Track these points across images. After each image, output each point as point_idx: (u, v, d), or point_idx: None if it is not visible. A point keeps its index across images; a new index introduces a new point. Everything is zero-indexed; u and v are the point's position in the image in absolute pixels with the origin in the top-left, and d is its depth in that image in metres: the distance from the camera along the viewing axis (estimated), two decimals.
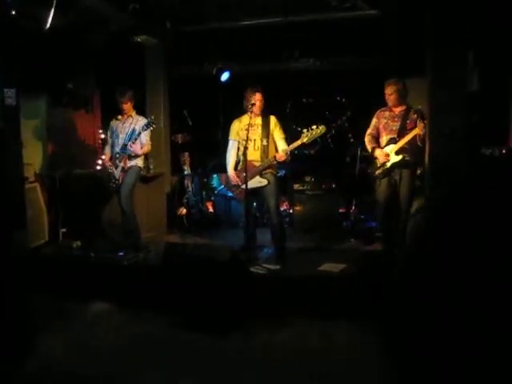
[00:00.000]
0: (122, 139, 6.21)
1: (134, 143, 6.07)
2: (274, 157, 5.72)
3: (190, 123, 8.29)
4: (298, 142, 5.65)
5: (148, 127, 5.98)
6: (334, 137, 7.94)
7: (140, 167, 6.35)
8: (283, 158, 5.66)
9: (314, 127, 5.61)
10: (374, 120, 5.96)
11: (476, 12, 4.55)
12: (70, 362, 3.84)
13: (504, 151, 5.92)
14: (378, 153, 5.78)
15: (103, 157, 6.58)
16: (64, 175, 7.08)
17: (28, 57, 5.69)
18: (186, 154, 7.88)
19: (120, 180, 6.18)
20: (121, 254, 6.12)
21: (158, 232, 7.33)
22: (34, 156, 7.02)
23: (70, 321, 4.62)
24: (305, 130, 5.62)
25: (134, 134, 6.07)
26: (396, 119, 5.75)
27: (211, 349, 4.02)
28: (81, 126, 7.80)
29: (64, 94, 7.35)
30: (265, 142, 5.79)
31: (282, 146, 5.79)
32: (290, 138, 5.91)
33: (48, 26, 4.79)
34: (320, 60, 8.36)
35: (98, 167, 7.12)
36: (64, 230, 6.91)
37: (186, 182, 7.82)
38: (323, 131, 5.66)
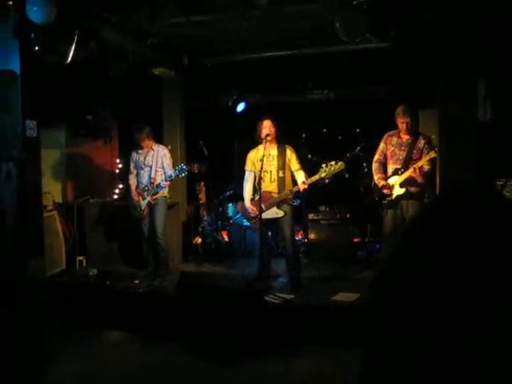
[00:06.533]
0: (147, 172, 6.38)
1: (166, 181, 6.24)
2: (291, 190, 5.76)
3: (206, 153, 8.40)
4: (316, 177, 5.64)
5: (181, 173, 6.20)
6: (349, 166, 7.98)
7: (166, 196, 6.49)
8: (305, 188, 5.67)
9: (333, 163, 5.59)
10: (382, 145, 5.89)
11: (487, 40, 4.60)
12: None
13: None
14: (382, 184, 5.73)
15: (120, 186, 6.69)
16: (82, 204, 7.19)
17: (49, 89, 5.87)
18: (202, 183, 7.97)
19: (145, 212, 6.30)
20: (136, 281, 6.18)
21: (174, 260, 7.37)
22: (52, 185, 7.16)
23: (84, 348, 4.66)
24: (323, 165, 5.60)
25: (167, 175, 6.25)
26: (403, 148, 5.69)
27: (225, 376, 4.03)
28: (99, 156, 7.96)
29: (83, 125, 7.53)
30: (281, 174, 5.79)
31: (301, 176, 5.77)
32: (305, 168, 5.94)
33: (69, 59, 4.94)
34: (334, 91, 8.46)
35: (116, 196, 7.21)
36: (81, 257, 6.99)
37: (201, 211, 7.88)
38: (342, 168, 5.65)
